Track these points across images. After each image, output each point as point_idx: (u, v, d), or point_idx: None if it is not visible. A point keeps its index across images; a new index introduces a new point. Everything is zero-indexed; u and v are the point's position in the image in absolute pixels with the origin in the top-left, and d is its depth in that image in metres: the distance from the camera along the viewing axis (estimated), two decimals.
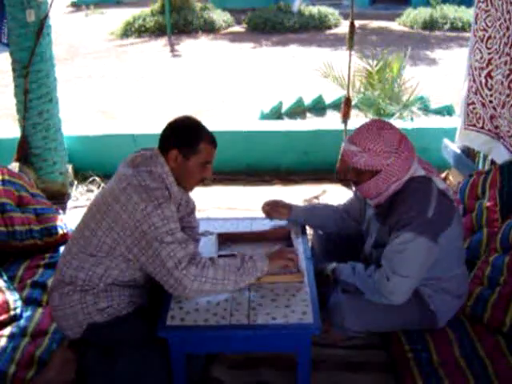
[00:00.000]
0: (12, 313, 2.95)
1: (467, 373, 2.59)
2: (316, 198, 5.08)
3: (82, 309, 2.58)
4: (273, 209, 3.26)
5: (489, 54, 4.07)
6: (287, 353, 2.91)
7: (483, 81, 4.17)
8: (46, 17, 4.56)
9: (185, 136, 2.65)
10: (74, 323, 2.60)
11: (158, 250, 2.44)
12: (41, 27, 4.50)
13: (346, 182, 5.29)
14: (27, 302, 3.10)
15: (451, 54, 12.00)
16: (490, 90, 4.11)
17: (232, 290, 2.57)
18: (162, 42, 13.91)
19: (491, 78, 4.08)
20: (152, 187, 2.51)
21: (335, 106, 7.66)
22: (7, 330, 2.87)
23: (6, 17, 4.56)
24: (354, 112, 6.81)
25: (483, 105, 4.21)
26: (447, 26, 14.21)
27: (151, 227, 2.45)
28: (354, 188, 3.18)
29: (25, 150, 4.69)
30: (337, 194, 5.12)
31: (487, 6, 4.03)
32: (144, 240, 2.46)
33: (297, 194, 5.10)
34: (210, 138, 2.69)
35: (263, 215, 3.31)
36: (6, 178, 3.79)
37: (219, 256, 2.72)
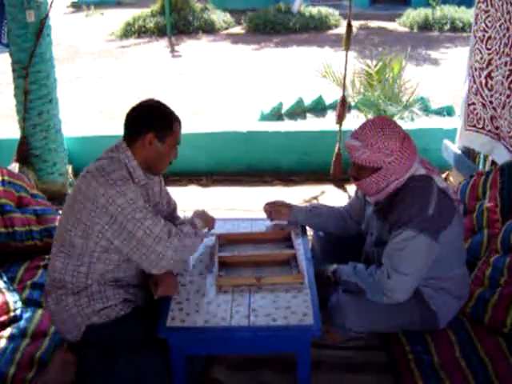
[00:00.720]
0: (12, 314, 2.95)
1: (468, 374, 2.59)
2: (315, 198, 5.07)
3: (78, 311, 2.57)
4: (273, 209, 3.26)
5: (489, 54, 4.07)
6: (288, 354, 2.90)
7: (483, 81, 4.17)
8: (46, 17, 4.55)
9: (160, 118, 2.63)
10: (73, 327, 2.60)
11: (133, 231, 2.46)
12: (41, 28, 4.49)
13: (340, 183, 5.29)
14: (27, 303, 3.10)
15: (451, 55, 11.99)
16: (490, 90, 4.10)
17: (196, 250, 2.76)
18: (162, 42, 13.91)
19: (491, 78, 4.08)
20: (109, 170, 2.50)
21: (335, 106, 7.63)
22: (7, 331, 2.87)
23: (6, 17, 4.55)
24: (353, 113, 6.83)
25: (483, 105, 4.21)
26: (447, 27, 14.21)
27: (118, 209, 2.45)
28: (354, 188, 3.18)
29: (25, 151, 4.69)
30: (336, 195, 5.12)
31: (487, 6, 4.03)
32: (115, 224, 2.46)
33: (297, 195, 5.10)
34: (178, 117, 2.71)
35: (263, 216, 3.30)
36: (6, 178, 3.79)
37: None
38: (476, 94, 4.28)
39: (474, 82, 4.28)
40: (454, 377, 2.58)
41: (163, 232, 2.50)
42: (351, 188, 5.14)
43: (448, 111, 7.11)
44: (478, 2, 4.14)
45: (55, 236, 2.65)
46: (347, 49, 4.93)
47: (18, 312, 2.99)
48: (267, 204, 3.29)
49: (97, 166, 2.54)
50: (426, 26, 14.47)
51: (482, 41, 4.13)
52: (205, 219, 2.91)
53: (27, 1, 4.40)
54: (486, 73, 4.13)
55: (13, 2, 4.44)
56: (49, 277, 2.67)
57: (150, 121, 2.62)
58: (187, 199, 5.02)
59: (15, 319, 2.95)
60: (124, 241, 2.48)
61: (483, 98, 4.19)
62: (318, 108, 7.72)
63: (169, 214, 2.99)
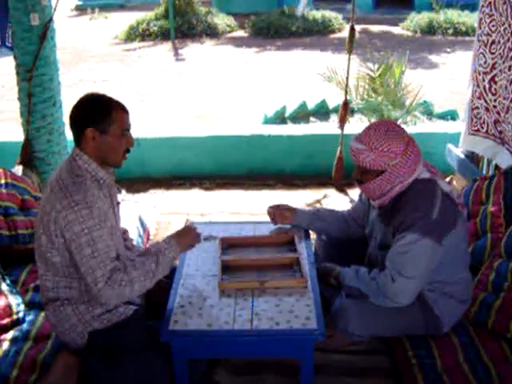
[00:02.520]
0: (15, 317, 2.95)
1: (471, 378, 2.59)
2: (318, 202, 5.07)
3: (78, 320, 2.57)
4: (277, 212, 3.25)
5: (493, 58, 4.06)
6: (290, 358, 2.89)
7: (487, 86, 4.16)
8: (50, 20, 4.55)
9: (95, 111, 2.51)
10: (76, 335, 2.60)
11: (80, 263, 2.43)
12: (45, 31, 4.49)
13: (341, 188, 5.29)
14: (30, 305, 3.10)
15: (455, 59, 11.98)
16: (493, 94, 4.10)
17: (150, 285, 2.56)
18: (166, 46, 13.91)
19: (495, 82, 4.07)
20: (72, 190, 2.43)
21: (339, 110, 7.64)
22: (10, 334, 2.87)
23: (11, 20, 4.56)
24: (357, 117, 6.82)
25: (487, 110, 4.20)
26: (451, 31, 14.18)
27: (73, 236, 2.41)
28: (356, 192, 3.18)
29: (28, 154, 4.68)
30: (339, 199, 5.11)
31: (491, 10, 4.02)
32: (70, 247, 2.44)
33: (300, 199, 5.10)
34: (119, 105, 2.57)
35: (266, 219, 3.30)
36: (10, 181, 3.79)
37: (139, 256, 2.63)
38: (480, 98, 4.27)
39: (478, 86, 4.27)
40: (457, 381, 2.58)
41: (104, 277, 2.41)
42: (353, 192, 5.14)
43: (452, 115, 7.10)
44: (482, 7, 4.14)
45: (36, 255, 2.61)
46: (350, 52, 4.93)
47: (21, 315, 2.99)
48: (271, 207, 3.29)
49: (60, 183, 2.48)
50: (429, 30, 14.45)
51: (485, 45, 4.13)
52: (185, 239, 2.73)
53: (31, 4, 4.40)
54: (489, 77, 4.13)
55: (17, 6, 4.43)
56: (42, 294, 2.67)
57: (85, 116, 2.51)
58: (190, 203, 5.03)
59: (18, 322, 2.95)
60: (77, 265, 2.46)
61: (487, 103, 4.19)
62: (322, 112, 7.71)
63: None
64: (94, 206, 2.43)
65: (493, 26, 4.03)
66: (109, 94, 2.62)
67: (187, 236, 2.74)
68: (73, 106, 2.57)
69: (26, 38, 4.49)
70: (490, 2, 4.04)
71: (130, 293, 2.47)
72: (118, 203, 2.83)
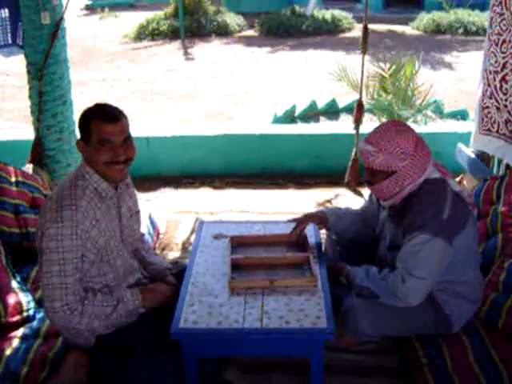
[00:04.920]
0: (25, 314, 2.96)
1: (481, 378, 2.58)
2: (329, 201, 5.06)
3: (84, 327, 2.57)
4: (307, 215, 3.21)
5: (503, 57, 4.04)
6: (300, 357, 2.88)
7: (498, 85, 4.14)
8: (61, 19, 4.57)
9: (81, 122, 2.53)
10: (83, 341, 2.62)
11: (43, 277, 2.44)
12: (56, 29, 4.51)
13: (355, 189, 5.28)
14: (40, 303, 3.10)
15: (465, 58, 11.94)
16: (504, 94, 4.07)
17: (98, 326, 2.56)
18: (176, 45, 13.94)
19: (506, 82, 4.05)
20: (64, 204, 2.43)
21: (348, 109, 7.64)
22: (20, 331, 2.87)
23: (21, 19, 4.58)
24: (367, 116, 6.81)
25: (498, 109, 4.18)
26: (461, 30, 14.15)
27: (46, 250, 2.41)
28: (368, 192, 3.17)
29: (39, 152, 4.70)
30: (349, 198, 5.10)
31: (502, 9, 4.00)
32: (41, 257, 2.45)
33: (310, 198, 5.09)
34: (100, 115, 2.50)
35: (276, 218, 3.29)
36: (20, 179, 3.81)
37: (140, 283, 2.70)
38: (490, 98, 4.25)
39: (489, 86, 4.25)
40: (468, 381, 2.58)
41: (62, 297, 2.42)
42: (366, 192, 5.12)
43: (462, 115, 7.08)
44: (493, 5, 4.12)
45: (38, 262, 2.59)
46: (364, 52, 4.91)
47: (31, 312, 2.99)
48: (298, 219, 3.19)
49: (58, 192, 2.49)
50: (439, 29, 14.42)
51: (496, 44, 4.10)
52: (153, 295, 2.72)
53: (42, 3, 4.41)
54: (500, 76, 4.10)
55: (28, 4, 4.45)
56: (46, 303, 2.63)
57: (79, 128, 2.55)
58: (200, 201, 5.03)
59: (28, 319, 2.96)
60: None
61: (498, 102, 4.17)
62: (332, 111, 7.71)
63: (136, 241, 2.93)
64: (79, 226, 2.43)
65: (504, 25, 4.01)
66: (111, 102, 2.62)
67: (153, 292, 2.73)
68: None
69: (36, 37, 4.50)
70: (500, 1, 4.02)
71: (76, 324, 2.48)
72: (135, 213, 2.83)
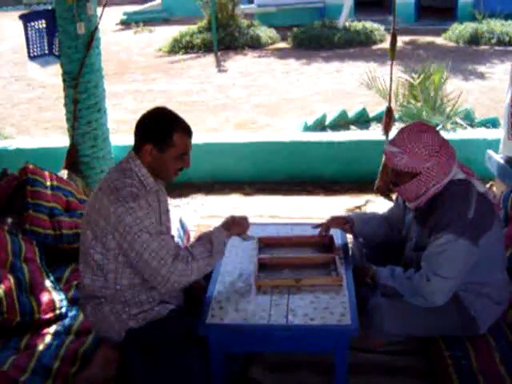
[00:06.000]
0: (58, 312, 3.04)
1: (507, 380, 2.56)
2: (358, 207, 5.07)
3: (115, 319, 2.65)
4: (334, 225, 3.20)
5: None
6: (325, 356, 2.90)
7: None
8: (96, 29, 4.70)
9: (157, 129, 2.58)
10: (113, 333, 2.68)
11: (140, 251, 2.47)
12: (90, 39, 4.64)
13: (386, 194, 5.28)
14: (72, 302, 3.18)
15: (497, 68, 11.83)
16: None
17: (210, 269, 2.66)
18: (209, 58, 14.06)
19: None
20: (119, 187, 2.51)
21: (379, 118, 7.59)
22: (52, 328, 2.96)
23: (58, 30, 4.71)
24: (397, 125, 6.80)
25: None
26: (494, 41, 14.00)
27: (126, 227, 2.46)
28: (395, 197, 3.18)
29: (74, 159, 4.81)
30: (379, 205, 5.10)
31: None
32: (125, 242, 2.49)
33: (339, 204, 5.11)
34: (183, 128, 2.61)
35: (304, 222, 3.31)
36: (55, 183, 3.91)
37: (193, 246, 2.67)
38: None
39: None
40: (493, 382, 2.56)
41: (168, 255, 2.47)
42: (392, 199, 5.12)
43: (493, 123, 7.02)
44: None
45: (80, 253, 2.70)
46: (393, 58, 4.93)
47: (64, 310, 3.07)
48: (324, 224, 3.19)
49: (108, 181, 2.56)
50: (472, 40, 14.28)
51: None
52: (233, 226, 2.78)
53: (78, 14, 4.54)
54: None
55: (64, 15, 4.59)
56: (80, 292, 2.76)
57: (148, 132, 2.59)
58: (230, 207, 5.08)
59: (61, 317, 3.04)
60: (134, 259, 2.51)
61: None
62: (362, 120, 7.69)
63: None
64: (141, 201, 2.51)
65: None
66: (177, 112, 2.67)
67: (235, 222, 2.80)
68: (142, 115, 2.66)
69: (72, 47, 4.64)
70: None
71: (197, 270, 2.54)
72: (168, 210, 2.91)
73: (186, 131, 2.63)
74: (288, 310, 2.57)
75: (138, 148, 2.62)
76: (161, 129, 2.58)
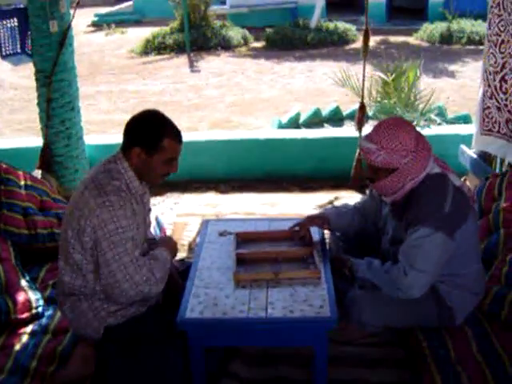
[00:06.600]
0: (34, 311, 3.02)
1: (485, 368, 2.60)
2: (330, 203, 5.09)
3: (94, 316, 2.63)
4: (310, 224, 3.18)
5: (502, 58, 4.09)
6: (305, 349, 2.91)
7: (498, 85, 4.19)
8: (69, 27, 4.66)
9: (147, 133, 2.57)
10: (91, 331, 2.66)
11: (110, 261, 2.48)
12: (64, 37, 4.60)
13: (360, 188, 5.31)
14: (48, 301, 3.16)
15: (468, 67, 12.00)
16: (504, 93, 4.12)
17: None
18: (182, 58, 14.01)
19: (505, 81, 4.10)
20: (107, 189, 2.50)
21: (352, 117, 7.61)
22: (29, 328, 2.94)
23: (30, 28, 4.67)
24: (371, 122, 6.85)
25: (498, 109, 4.23)
26: (464, 40, 14.19)
27: (106, 234, 2.46)
28: (369, 188, 3.20)
29: (47, 158, 4.77)
30: (353, 200, 5.11)
31: (500, 10, 4.06)
32: (100, 246, 2.49)
33: (314, 201, 5.13)
34: (174, 133, 2.60)
35: (280, 218, 3.31)
36: (29, 183, 3.87)
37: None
38: (491, 98, 4.30)
39: (489, 86, 4.30)
40: (471, 371, 2.59)
41: (137, 274, 2.51)
42: (366, 193, 5.15)
43: (465, 119, 7.11)
44: (491, 7, 4.18)
45: (60, 249, 2.68)
46: (365, 55, 4.95)
47: (40, 310, 3.06)
48: (300, 224, 3.17)
49: (95, 181, 2.55)
50: (443, 39, 14.46)
51: (495, 45, 4.16)
52: (170, 247, 2.89)
53: (50, 11, 4.50)
54: (500, 76, 4.15)
55: (36, 13, 4.54)
56: (58, 289, 2.74)
57: (138, 136, 2.58)
58: (206, 205, 5.08)
59: (37, 316, 3.02)
60: (102, 264, 2.50)
61: (498, 102, 4.21)
62: (336, 118, 7.73)
63: None
64: (127, 208, 2.52)
65: (502, 25, 4.07)
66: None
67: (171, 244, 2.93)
68: (132, 117, 2.65)
69: (45, 45, 4.59)
70: (498, 3, 4.08)
71: (154, 288, 2.58)
72: (149, 210, 2.91)
73: (177, 137, 2.61)
74: (267, 303, 2.58)
75: (126, 149, 2.61)
76: (151, 133, 2.57)
